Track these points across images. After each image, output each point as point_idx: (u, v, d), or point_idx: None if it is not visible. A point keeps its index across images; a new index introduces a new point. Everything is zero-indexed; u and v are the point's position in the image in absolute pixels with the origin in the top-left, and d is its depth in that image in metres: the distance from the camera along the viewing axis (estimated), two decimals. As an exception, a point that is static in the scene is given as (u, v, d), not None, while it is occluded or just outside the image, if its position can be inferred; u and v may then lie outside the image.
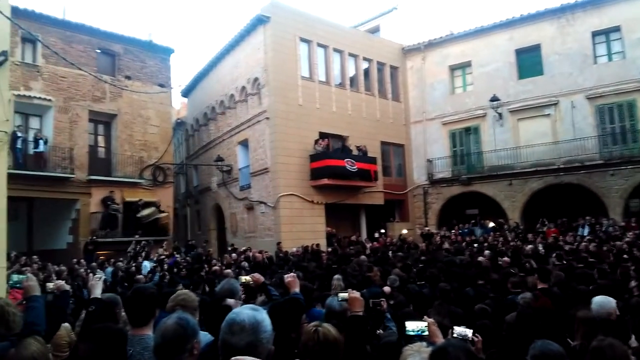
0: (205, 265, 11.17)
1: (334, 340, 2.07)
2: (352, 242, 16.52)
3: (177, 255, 14.24)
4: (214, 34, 69.66)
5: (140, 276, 9.15)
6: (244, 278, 4.66)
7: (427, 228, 19.60)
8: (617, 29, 17.25)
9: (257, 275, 4.57)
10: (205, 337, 3.03)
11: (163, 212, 18.18)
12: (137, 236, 15.79)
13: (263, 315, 1.74)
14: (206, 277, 9.18)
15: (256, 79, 18.19)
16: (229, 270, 8.56)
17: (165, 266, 11.47)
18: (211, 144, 22.14)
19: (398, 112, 21.59)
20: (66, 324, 4.12)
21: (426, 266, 9.05)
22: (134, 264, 11.63)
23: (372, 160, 18.68)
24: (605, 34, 17.66)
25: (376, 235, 17.78)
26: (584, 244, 11.71)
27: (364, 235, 19.02)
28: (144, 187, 18.26)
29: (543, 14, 18.61)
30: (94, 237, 15.77)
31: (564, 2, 18.13)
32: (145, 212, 17.25)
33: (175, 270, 11.31)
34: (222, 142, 21.04)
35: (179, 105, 29.47)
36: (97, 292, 3.44)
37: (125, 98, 18.20)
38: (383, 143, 20.64)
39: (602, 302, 3.96)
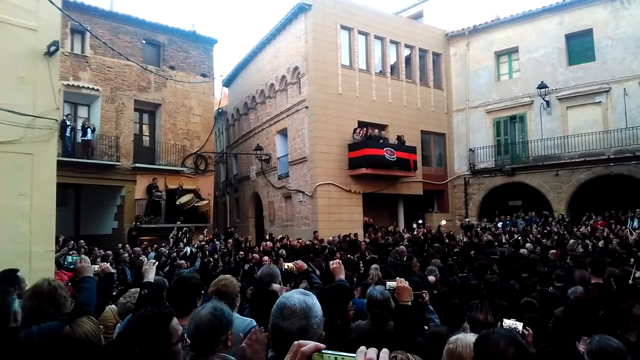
0: (241, 252, 11.33)
1: None
2: (388, 232, 16.35)
3: (217, 242, 14.51)
4: (256, 23, 70.20)
5: (182, 261, 9.37)
6: (288, 265, 4.69)
7: (467, 219, 19.15)
8: (676, 10, 16.15)
9: (300, 262, 4.60)
10: (244, 322, 3.06)
11: (202, 199, 18.56)
12: (178, 222, 16.21)
13: (314, 300, 1.71)
14: (244, 264, 9.32)
15: (296, 68, 18.18)
16: (267, 257, 8.64)
17: (207, 252, 11.71)
18: (251, 133, 22.36)
19: (440, 100, 21.10)
20: (112, 306, 4.25)
21: (466, 257, 8.85)
22: (175, 249, 11.94)
23: (412, 150, 18.37)
24: (662, 17, 16.57)
25: (414, 225, 17.54)
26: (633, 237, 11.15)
27: (401, 225, 18.81)
28: (186, 175, 18.70)
29: (596, -3, 17.63)
30: (138, 223, 16.31)
31: (619, -16, 17.10)
32: (184, 199, 17.67)
33: (215, 256, 11.55)
34: (261, 131, 21.22)
35: (220, 95, 29.85)
36: (151, 276, 3.51)
37: (169, 88, 18.63)
38: (423, 132, 20.25)
39: None
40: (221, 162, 26.27)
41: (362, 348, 1.09)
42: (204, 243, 13.64)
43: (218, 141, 27.17)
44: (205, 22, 72.93)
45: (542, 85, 18.11)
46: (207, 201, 18.84)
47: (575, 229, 14.31)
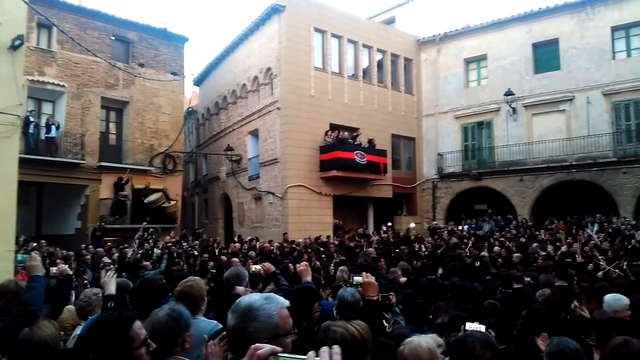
0: (205, 255, 11.19)
1: (352, 340, 1.95)
2: (358, 235, 16.45)
3: (185, 244, 14.27)
4: (228, 23, 69.62)
5: (147, 263, 9.17)
6: (255, 267, 4.66)
7: (434, 222, 19.47)
8: (637, 24, 16.83)
9: (268, 264, 4.58)
10: (209, 325, 3.01)
11: (171, 199, 18.23)
12: (145, 223, 15.86)
13: (265, 307, 1.63)
14: (212, 266, 9.20)
15: (269, 69, 18.10)
16: (236, 259, 8.55)
17: (175, 254, 11.50)
18: (221, 133, 22.13)
19: (410, 104, 21.39)
20: (70, 307, 4.13)
21: (433, 260, 9.00)
22: (140, 251, 11.67)
23: (382, 153, 18.55)
24: (625, 29, 17.25)
25: (383, 228, 17.73)
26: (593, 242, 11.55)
27: (371, 228, 18.96)
28: (154, 175, 18.34)
29: (563, 8, 18.22)
30: (102, 223, 15.90)
31: (585, -4, 17.74)
32: (152, 197, 17.33)
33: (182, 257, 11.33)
34: (232, 131, 21.02)
35: (190, 94, 29.46)
36: (112, 288, 3.41)
37: (137, 85, 18.25)
38: (394, 136, 20.49)
39: (611, 300, 3.88)
40: (190, 162, 25.90)
41: (311, 353, 1.09)
42: (170, 244, 13.39)
43: (187, 141, 26.76)
44: (176, 19, 71.90)
45: (508, 93, 18.61)
46: (175, 202, 18.53)
47: (537, 233, 14.72)
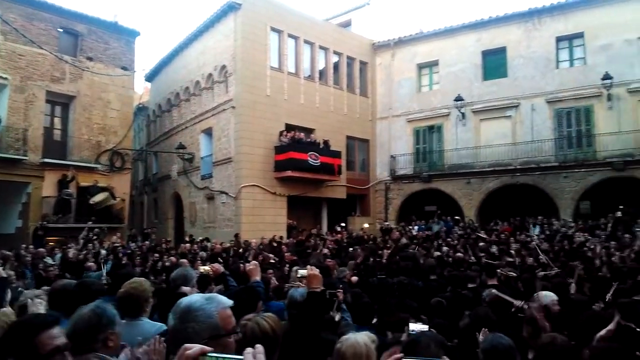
0: (156, 255, 10.92)
1: (262, 334, 1.98)
2: (312, 235, 16.53)
3: (133, 244, 13.82)
4: (183, 18, 68.00)
5: (91, 263, 8.82)
6: (203, 268, 4.59)
7: (386, 223, 19.84)
8: (580, 35, 17.76)
9: (216, 265, 4.54)
10: (154, 326, 2.95)
11: (117, 198, 17.59)
12: (90, 223, 15.21)
13: (205, 307, 1.62)
14: (160, 267, 8.99)
15: (224, 67, 17.85)
16: (184, 260, 8.38)
17: (120, 255, 11.12)
18: (173, 131, 21.61)
19: (365, 107, 21.70)
20: (5, 309, 3.91)
21: (382, 259, 9.18)
22: (84, 251, 11.21)
23: (337, 155, 18.71)
24: (568, 40, 18.20)
25: (338, 228, 17.89)
26: (534, 243, 12.13)
27: (325, 228, 19.08)
28: (101, 173, 17.64)
29: (511, 17, 19.02)
30: (45, 222, 15.14)
31: (531, 7, 18.56)
32: (98, 197, 16.65)
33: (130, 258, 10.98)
34: (184, 129, 20.57)
35: (141, 89, 28.58)
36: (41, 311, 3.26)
37: (85, 80, 17.51)
38: (349, 137, 20.72)
39: (542, 296, 4.10)
40: (140, 160, 25.09)
41: (249, 349, 1.10)
42: (117, 245, 12.94)
43: (137, 138, 25.94)
44: (128, 13, 69.47)
45: (458, 98, 19.25)
46: (121, 200, 17.88)
47: (477, 234, 15.18)
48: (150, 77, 24.88)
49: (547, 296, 4.09)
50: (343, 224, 19.00)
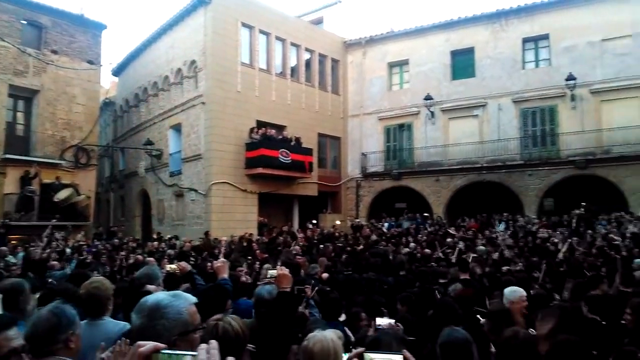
0: (122, 253, 10.71)
1: (234, 335, 1.97)
2: (282, 232, 16.51)
3: (98, 242, 13.49)
4: (151, 12, 66.52)
5: (55, 262, 8.57)
6: (170, 266, 4.53)
7: (357, 220, 20.00)
8: (546, 36, 18.26)
9: (183, 263, 4.49)
10: (117, 326, 2.90)
11: (82, 195, 17.12)
12: (54, 220, 14.73)
13: (171, 303, 1.62)
14: (124, 265, 8.84)
15: (193, 62, 17.59)
16: (151, 259, 8.24)
17: (84, 253, 10.84)
18: (141, 126, 21.17)
19: (337, 105, 21.77)
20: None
21: (352, 256, 9.26)
22: (48, 250, 10.89)
23: (308, 152, 18.71)
24: (534, 41, 18.69)
25: (309, 226, 17.92)
26: (501, 238, 12.48)
27: (296, 225, 19.07)
28: (65, 169, 17.15)
29: (479, 18, 19.40)
30: (6, 220, 14.60)
31: (499, 8, 18.97)
32: (63, 194, 16.17)
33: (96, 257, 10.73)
34: (152, 125, 20.17)
35: (108, 84, 27.87)
36: None
37: (49, 73, 17.00)
38: (320, 135, 20.74)
39: (509, 292, 4.19)
40: (106, 157, 24.45)
41: (203, 345, 1.10)
42: (82, 243, 12.59)
43: (103, 133, 25.25)
44: (95, 6, 67.44)
45: (428, 97, 19.53)
46: (86, 197, 17.40)
47: (446, 230, 15.46)
48: (117, 72, 24.28)
49: (516, 291, 4.14)
50: (314, 221, 19.04)
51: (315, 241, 14.50)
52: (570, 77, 16.99)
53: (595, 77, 17.12)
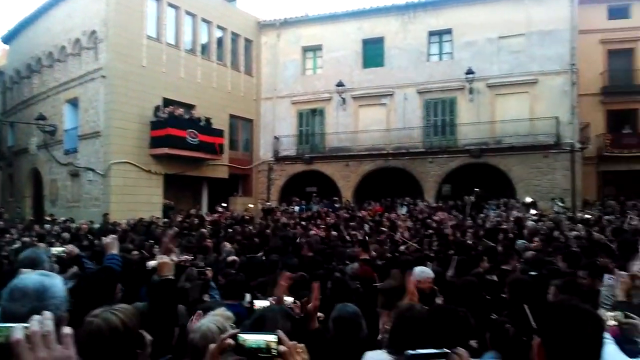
0: (8, 235, 9.82)
1: (108, 331, 1.88)
2: (190, 215, 16.06)
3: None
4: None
5: None
6: (56, 250, 4.25)
7: (268, 203, 20.01)
8: (449, 31, 19.35)
9: (71, 246, 4.25)
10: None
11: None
12: None
13: (52, 281, 1.66)
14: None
15: (93, 32, 16.30)
16: (42, 244, 7.63)
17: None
18: (33, 99, 19.35)
19: (250, 86, 21.43)
20: None
21: (262, 239, 9.31)
22: None
23: (219, 133, 18.27)
24: (439, 35, 19.73)
25: (218, 209, 17.58)
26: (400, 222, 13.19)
27: (204, 208, 18.64)
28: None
29: (390, 9, 20.02)
30: None
31: (408, 0, 19.68)
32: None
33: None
34: (46, 98, 18.50)
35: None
36: None
37: None
38: (232, 116, 20.35)
39: (418, 272, 4.44)
40: (-8, 131, 22.06)
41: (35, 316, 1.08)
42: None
43: (-12, 105, 22.71)
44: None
45: (339, 84, 19.94)
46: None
47: (355, 214, 16.06)
48: (7, 39, 22.01)
49: (424, 272, 4.33)
50: (224, 204, 18.73)
51: (224, 224, 14.29)
52: (470, 71, 18.24)
53: (492, 72, 18.54)
